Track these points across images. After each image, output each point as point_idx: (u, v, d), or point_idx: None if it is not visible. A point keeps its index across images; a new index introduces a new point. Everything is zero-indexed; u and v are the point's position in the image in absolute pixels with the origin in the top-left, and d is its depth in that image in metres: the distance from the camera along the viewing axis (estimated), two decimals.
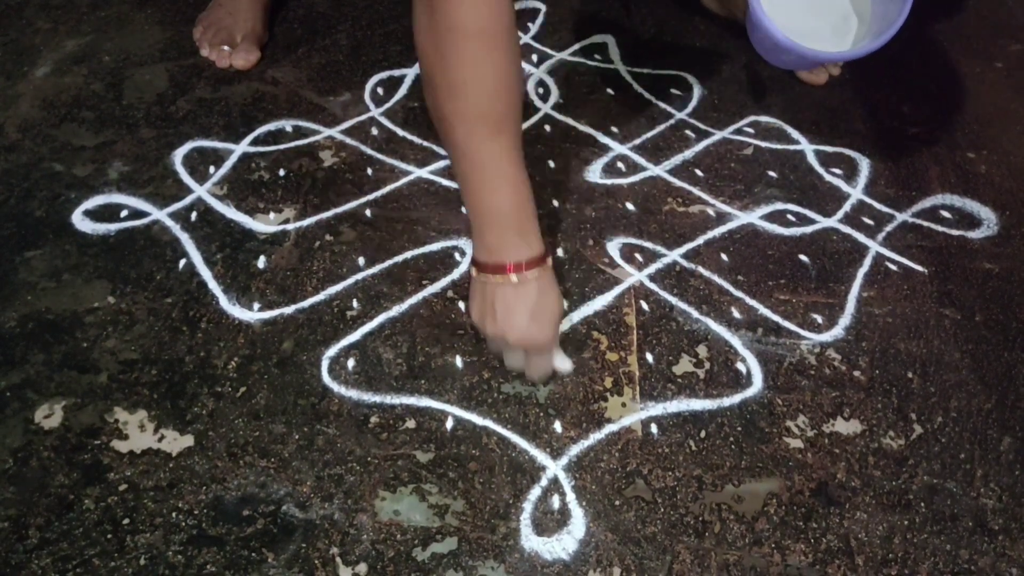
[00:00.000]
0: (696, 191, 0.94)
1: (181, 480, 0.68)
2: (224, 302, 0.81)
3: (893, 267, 0.87)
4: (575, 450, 0.71)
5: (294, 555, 0.64)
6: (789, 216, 0.92)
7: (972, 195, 0.95)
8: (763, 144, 1.01)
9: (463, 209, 0.90)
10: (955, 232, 0.91)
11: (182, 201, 0.91)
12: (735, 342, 0.79)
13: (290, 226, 0.89)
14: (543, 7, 1.21)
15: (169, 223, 0.89)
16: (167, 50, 1.11)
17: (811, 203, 0.94)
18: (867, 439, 0.72)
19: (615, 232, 0.90)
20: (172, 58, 1.10)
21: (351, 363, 0.76)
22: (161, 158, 0.96)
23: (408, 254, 0.86)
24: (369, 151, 0.98)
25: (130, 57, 1.10)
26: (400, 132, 1.01)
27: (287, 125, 1.01)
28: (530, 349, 0.71)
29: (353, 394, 0.74)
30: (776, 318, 0.81)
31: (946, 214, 0.93)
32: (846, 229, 0.91)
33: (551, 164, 0.97)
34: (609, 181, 0.95)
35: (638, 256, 0.87)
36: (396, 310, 0.81)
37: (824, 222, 0.92)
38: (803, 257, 0.88)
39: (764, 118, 1.04)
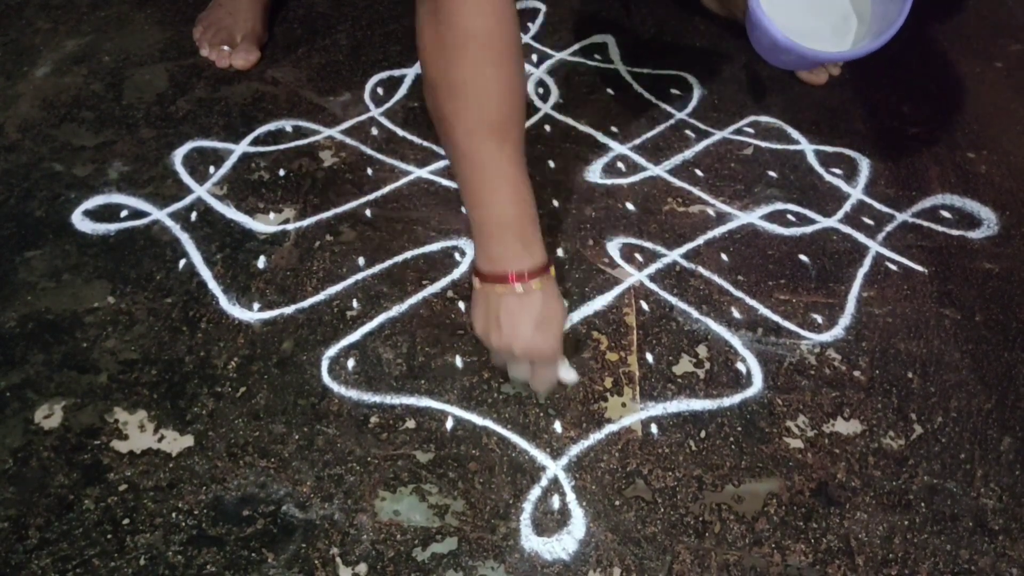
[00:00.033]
0: (696, 191, 0.94)
1: (181, 480, 0.68)
2: (224, 302, 0.81)
3: (893, 267, 0.87)
4: (575, 450, 0.71)
5: (294, 555, 0.64)
6: (789, 216, 0.92)
7: (972, 195, 0.95)
8: (763, 144, 1.01)
9: (463, 209, 0.90)
10: (955, 232, 0.91)
11: (182, 201, 0.91)
12: (735, 342, 0.79)
13: (290, 226, 0.89)
14: (543, 7, 1.21)
15: (169, 223, 0.89)
16: (167, 50, 1.11)
17: (811, 203, 0.94)
18: (867, 439, 0.72)
19: (615, 232, 0.90)
20: (172, 58, 1.10)
21: (351, 363, 0.76)
22: (161, 158, 0.96)
23: (408, 254, 0.86)
24: (369, 151, 0.98)
25: (130, 57, 1.10)
26: (400, 132, 1.01)
27: (287, 125, 1.01)
28: (536, 359, 0.70)
29: (353, 394, 0.74)
30: (776, 318, 0.81)
31: (946, 214, 0.93)
32: (846, 229, 0.91)
33: (551, 164, 0.97)
34: (609, 181, 0.95)
35: (638, 256, 0.87)
36: (396, 310, 0.81)
37: (824, 222, 0.92)
38: (803, 257, 0.88)
39: (764, 118, 1.04)
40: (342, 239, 0.88)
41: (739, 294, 0.83)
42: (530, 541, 0.65)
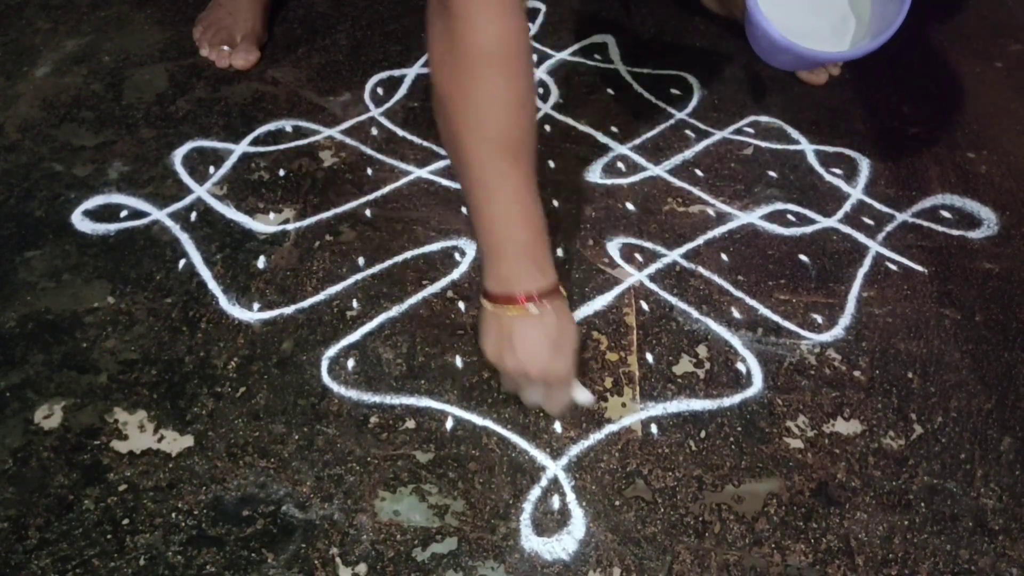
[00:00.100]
0: (696, 191, 0.94)
1: (181, 480, 0.68)
2: (224, 302, 0.81)
3: (893, 267, 0.87)
4: (575, 450, 0.71)
5: (294, 555, 0.64)
6: (789, 216, 0.92)
7: (972, 195, 0.95)
8: (763, 144, 1.01)
9: (463, 209, 0.90)
10: (955, 232, 0.91)
11: (182, 201, 0.91)
12: (735, 342, 0.79)
13: (290, 226, 0.89)
14: (543, 7, 1.21)
15: (169, 223, 0.89)
16: (167, 50, 1.11)
17: (811, 203, 0.94)
18: (867, 439, 0.72)
19: (615, 232, 0.90)
20: (172, 58, 1.10)
21: (351, 363, 0.76)
22: (161, 158, 0.96)
23: (408, 254, 0.86)
24: (369, 151, 0.98)
25: (130, 57, 1.10)
26: (400, 132, 1.01)
27: (287, 125, 1.01)
28: (551, 382, 0.69)
29: (353, 394, 0.74)
30: (776, 318, 0.81)
31: (946, 214, 0.93)
32: (846, 229, 0.91)
33: (551, 164, 0.97)
34: (609, 181, 0.95)
35: (638, 256, 0.87)
36: (396, 310, 0.81)
37: (824, 222, 0.92)
38: (803, 257, 0.88)
39: (764, 118, 1.04)
40: (342, 239, 0.88)
41: (739, 294, 0.83)
42: (530, 541, 0.65)
